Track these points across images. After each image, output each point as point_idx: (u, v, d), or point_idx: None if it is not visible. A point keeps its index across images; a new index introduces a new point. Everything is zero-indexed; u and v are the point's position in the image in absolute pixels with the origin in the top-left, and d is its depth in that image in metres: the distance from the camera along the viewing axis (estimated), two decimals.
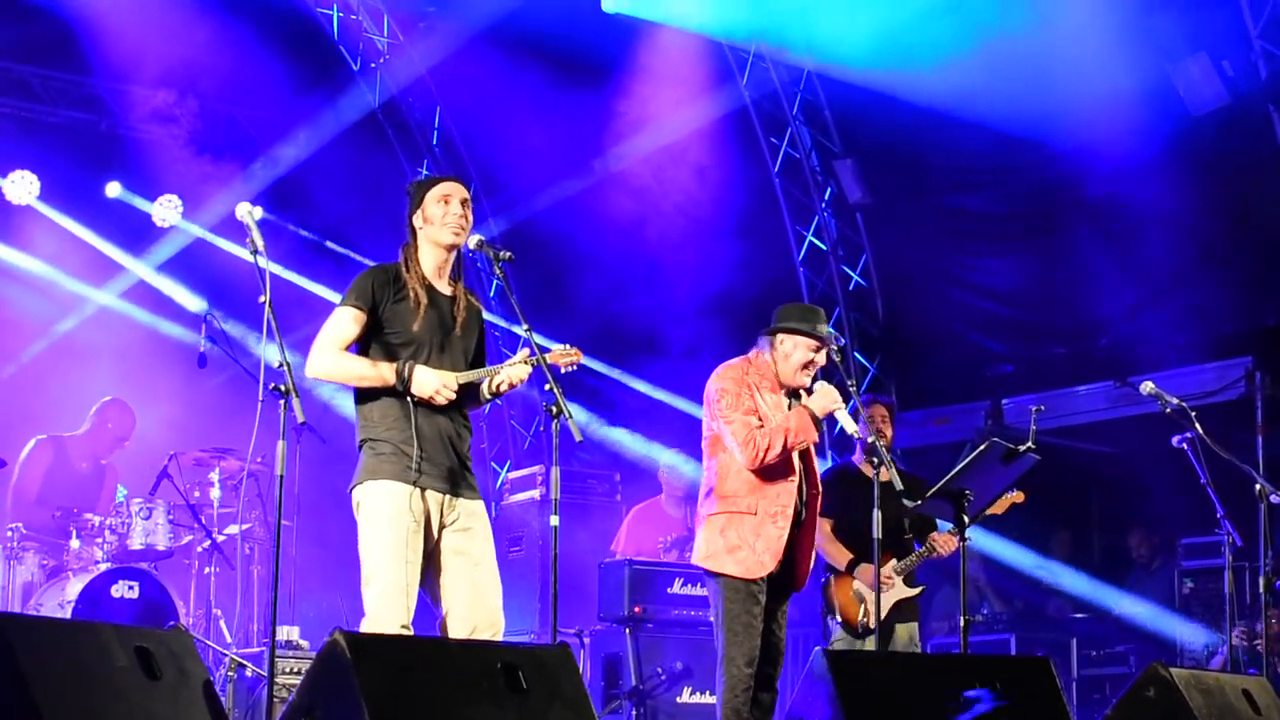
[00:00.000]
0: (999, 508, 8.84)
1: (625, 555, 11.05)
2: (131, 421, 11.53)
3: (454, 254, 6.71)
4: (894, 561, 9.18)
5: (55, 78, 13.53)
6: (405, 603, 6.31)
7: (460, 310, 6.68)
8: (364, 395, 6.55)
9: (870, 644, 8.98)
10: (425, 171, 15.06)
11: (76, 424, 11.50)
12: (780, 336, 7.53)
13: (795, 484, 7.41)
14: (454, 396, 6.44)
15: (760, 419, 7.31)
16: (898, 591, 9.20)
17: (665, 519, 11.57)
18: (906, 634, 9.30)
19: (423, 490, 6.40)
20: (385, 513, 6.37)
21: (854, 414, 7.80)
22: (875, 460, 7.44)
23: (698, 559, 7.38)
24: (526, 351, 6.54)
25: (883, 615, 9.07)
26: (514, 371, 6.55)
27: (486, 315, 6.96)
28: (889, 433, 9.29)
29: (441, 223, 6.57)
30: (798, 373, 7.51)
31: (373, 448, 6.48)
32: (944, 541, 9.03)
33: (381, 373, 6.45)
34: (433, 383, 6.41)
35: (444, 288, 6.68)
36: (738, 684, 7.21)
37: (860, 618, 9.15)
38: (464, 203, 6.62)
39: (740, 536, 7.28)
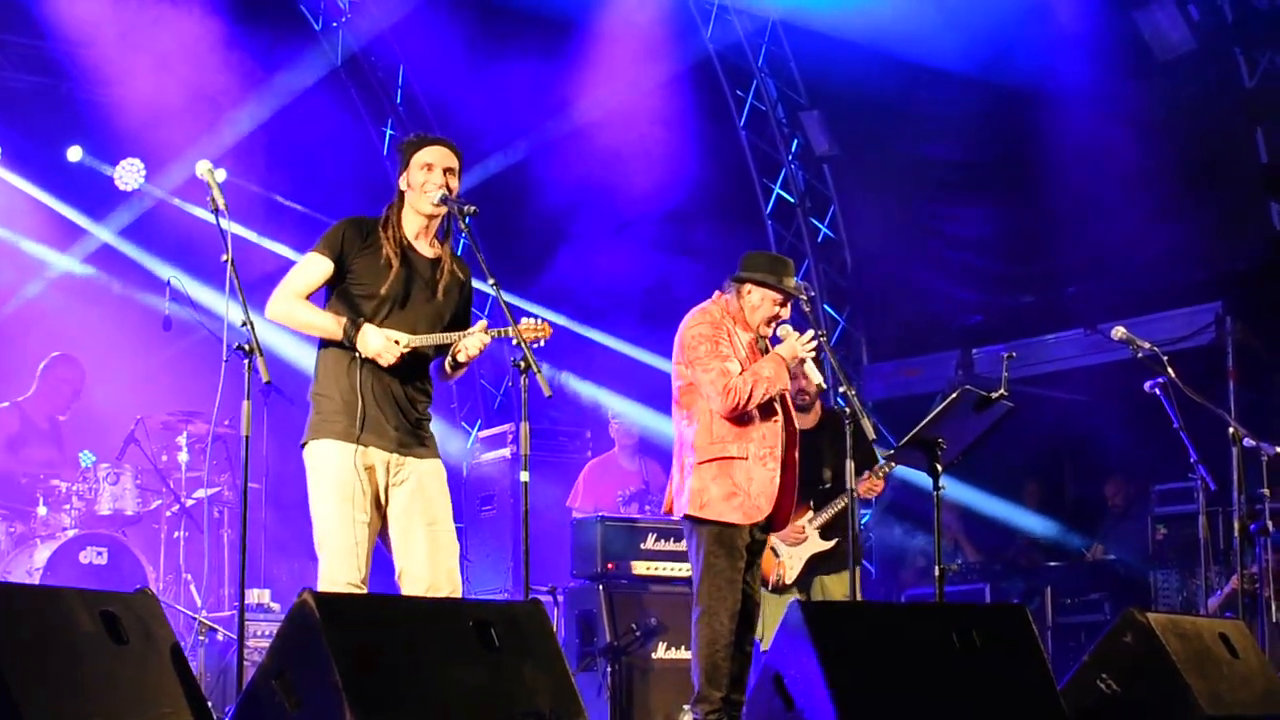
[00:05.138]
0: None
1: (583, 510, 10.98)
2: (80, 373, 11.40)
3: (439, 219, 6.61)
4: (810, 514, 8.99)
5: (13, 42, 13.35)
6: (354, 562, 6.25)
7: (442, 274, 6.56)
8: (322, 348, 6.48)
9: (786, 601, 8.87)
10: (390, 131, 14.98)
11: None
12: (748, 286, 7.50)
13: (779, 424, 7.40)
14: (396, 359, 6.33)
15: (742, 365, 7.29)
16: (811, 545, 8.94)
17: (621, 472, 11.55)
18: (840, 587, 8.93)
19: (366, 448, 6.33)
20: (329, 473, 6.32)
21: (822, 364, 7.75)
22: (849, 411, 7.38)
23: (691, 510, 7.29)
24: (485, 323, 6.43)
25: (796, 572, 8.97)
26: (470, 342, 6.41)
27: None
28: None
29: (421, 190, 6.48)
30: (762, 325, 7.50)
31: (317, 404, 6.44)
32: (867, 485, 8.69)
33: (332, 325, 6.36)
34: (377, 344, 6.30)
35: (426, 249, 6.58)
36: (719, 638, 7.20)
37: (774, 575, 8.92)
38: (447, 171, 6.51)
39: (735, 482, 7.26)
